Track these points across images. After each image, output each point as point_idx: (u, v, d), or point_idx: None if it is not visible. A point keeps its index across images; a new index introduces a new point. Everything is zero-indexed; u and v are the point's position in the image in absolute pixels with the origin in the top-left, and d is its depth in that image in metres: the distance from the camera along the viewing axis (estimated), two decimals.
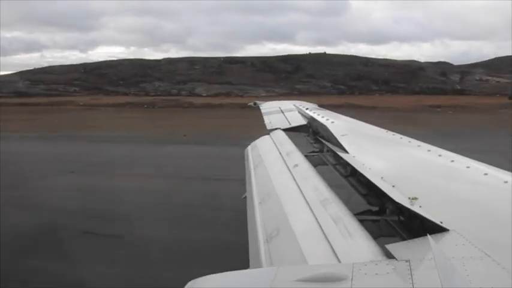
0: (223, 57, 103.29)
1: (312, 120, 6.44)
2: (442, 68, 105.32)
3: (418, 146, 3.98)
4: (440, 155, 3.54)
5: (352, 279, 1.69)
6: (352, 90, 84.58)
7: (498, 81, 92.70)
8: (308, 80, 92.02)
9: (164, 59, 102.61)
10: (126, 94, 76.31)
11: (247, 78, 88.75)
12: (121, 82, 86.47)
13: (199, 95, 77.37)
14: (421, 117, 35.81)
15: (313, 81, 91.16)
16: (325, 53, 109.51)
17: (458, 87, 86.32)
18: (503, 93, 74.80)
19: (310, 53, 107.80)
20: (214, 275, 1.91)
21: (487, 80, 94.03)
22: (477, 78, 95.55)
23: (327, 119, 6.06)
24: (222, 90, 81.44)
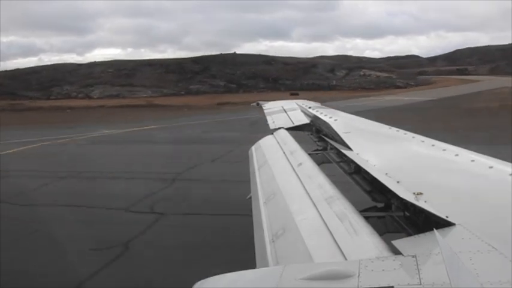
0: (146, 60, 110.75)
1: (315, 119, 6.45)
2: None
3: (422, 141, 3.97)
4: (444, 150, 3.53)
5: (358, 276, 1.68)
6: (242, 88, 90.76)
7: (378, 76, 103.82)
8: (207, 80, 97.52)
9: (87, 63, 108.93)
10: (30, 98, 79.13)
11: (151, 80, 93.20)
12: (36, 87, 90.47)
13: (91, 98, 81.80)
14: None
15: (210, 81, 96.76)
16: (234, 52, 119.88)
17: (334, 83, 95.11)
18: (366, 87, 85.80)
19: (221, 54, 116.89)
20: (220, 275, 1.91)
21: (369, 75, 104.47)
22: (361, 74, 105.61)
23: (330, 117, 6.05)
24: (113, 92, 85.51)
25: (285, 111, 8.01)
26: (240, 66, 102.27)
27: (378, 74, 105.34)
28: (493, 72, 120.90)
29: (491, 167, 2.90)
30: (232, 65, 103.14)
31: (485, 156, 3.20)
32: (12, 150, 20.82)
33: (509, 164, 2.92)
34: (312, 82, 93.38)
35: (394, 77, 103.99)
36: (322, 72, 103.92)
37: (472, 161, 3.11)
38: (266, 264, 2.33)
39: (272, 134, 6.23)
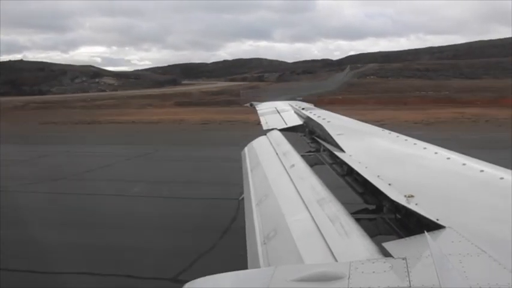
0: None
1: (308, 120, 6.45)
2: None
3: (414, 144, 3.99)
4: (436, 153, 3.55)
5: (349, 277, 1.69)
6: None
7: (105, 83, 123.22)
8: None
9: None
10: None
11: None
12: None
13: None
14: None
15: None
16: (21, 60, 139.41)
17: (53, 89, 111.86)
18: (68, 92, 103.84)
19: (10, 60, 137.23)
20: (211, 276, 1.91)
21: (102, 83, 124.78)
22: (96, 81, 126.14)
23: (323, 119, 6.07)
24: None
25: (278, 112, 8.02)
26: (14, 72, 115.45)
27: (108, 81, 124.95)
28: (278, 79, 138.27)
29: (482, 171, 2.93)
30: (9, 71, 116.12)
31: (477, 159, 3.23)
32: None
33: (500, 168, 2.94)
34: (37, 88, 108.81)
35: (116, 84, 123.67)
36: (66, 80, 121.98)
37: (463, 164, 3.14)
38: (257, 266, 2.33)
39: (265, 134, 6.24)
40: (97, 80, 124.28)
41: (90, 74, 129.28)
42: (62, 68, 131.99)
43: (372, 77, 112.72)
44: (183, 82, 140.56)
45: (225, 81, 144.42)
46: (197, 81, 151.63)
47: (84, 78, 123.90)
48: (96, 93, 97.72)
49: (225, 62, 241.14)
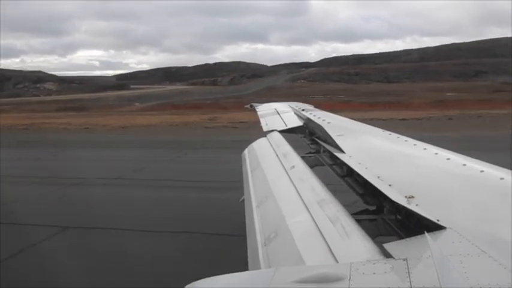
0: None
1: (308, 121, 6.45)
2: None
3: (414, 144, 3.99)
4: (436, 153, 3.55)
5: (350, 279, 1.68)
6: None
7: (50, 88, 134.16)
8: None
9: None
10: None
11: None
12: None
13: None
14: None
15: None
16: None
17: None
18: None
19: None
20: (211, 277, 1.91)
21: (45, 89, 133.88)
22: (38, 86, 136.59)
23: (323, 120, 6.06)
24: None
25: (278, 114, 8.02)
26: None
27: (48, 86, 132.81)
28: (229, 83, 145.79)
29: (482, 171, 2.93)
30: None
31: (477, 160, 3.23)
32: None
33: (500, 168, 2.94)
34: None
35: (55, 89, 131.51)
36: (9, 85, 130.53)
37: (464, 165, 3.13)
38: (258, 267, 2.33)
39: (265, 136, 6.23)
40: (38, 85, 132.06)
41: (34, 80, 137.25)
42: (9, 74, 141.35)
43: (302, 81, 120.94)
44: (132, 86, 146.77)
45: (188, 85, 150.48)
46: (165, 85, 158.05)
47: (26, 84, 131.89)
48: (26, 98, 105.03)
49: (206, 65, 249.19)
